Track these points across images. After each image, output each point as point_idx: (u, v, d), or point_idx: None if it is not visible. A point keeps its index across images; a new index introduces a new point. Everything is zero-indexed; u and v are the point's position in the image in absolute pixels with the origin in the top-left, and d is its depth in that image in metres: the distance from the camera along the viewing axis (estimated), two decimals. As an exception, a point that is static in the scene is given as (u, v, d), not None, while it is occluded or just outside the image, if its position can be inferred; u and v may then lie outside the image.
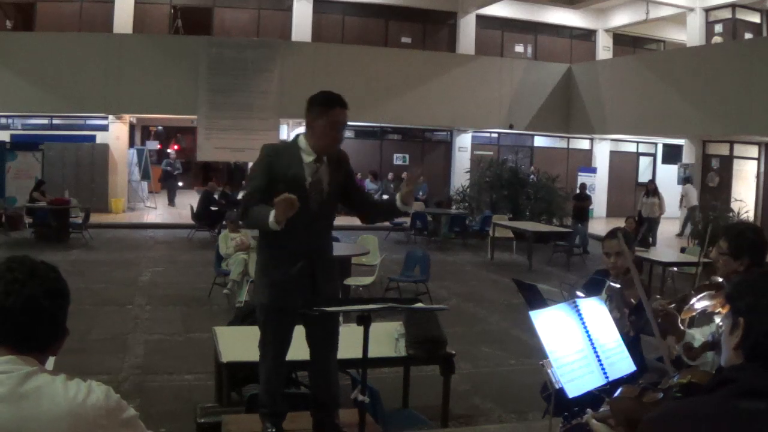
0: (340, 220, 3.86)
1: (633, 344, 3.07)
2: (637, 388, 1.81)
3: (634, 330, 3.38)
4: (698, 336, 2.92)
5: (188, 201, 16.65)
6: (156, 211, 19.04)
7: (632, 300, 3.51)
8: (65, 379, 1.46)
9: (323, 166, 3.29)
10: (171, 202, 20.27)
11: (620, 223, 11.94)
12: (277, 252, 3.27)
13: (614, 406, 1.88)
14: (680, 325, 2.77)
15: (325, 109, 3.22)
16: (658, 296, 3.26)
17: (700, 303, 2.98)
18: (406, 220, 16.53)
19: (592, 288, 3.62)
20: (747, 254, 2.93)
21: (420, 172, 3.71)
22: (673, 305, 2.90)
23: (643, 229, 12.57)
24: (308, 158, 3.26)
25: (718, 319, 2.89)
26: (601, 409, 2.01)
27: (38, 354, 1.49)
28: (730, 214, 14.31)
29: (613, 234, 3.86)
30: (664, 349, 2.78)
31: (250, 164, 24.60)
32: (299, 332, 3.44)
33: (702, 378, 1.55)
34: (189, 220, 14.96)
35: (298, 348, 3.46)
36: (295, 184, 3.17)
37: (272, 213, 3.00)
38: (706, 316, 2.92)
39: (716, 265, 3.11)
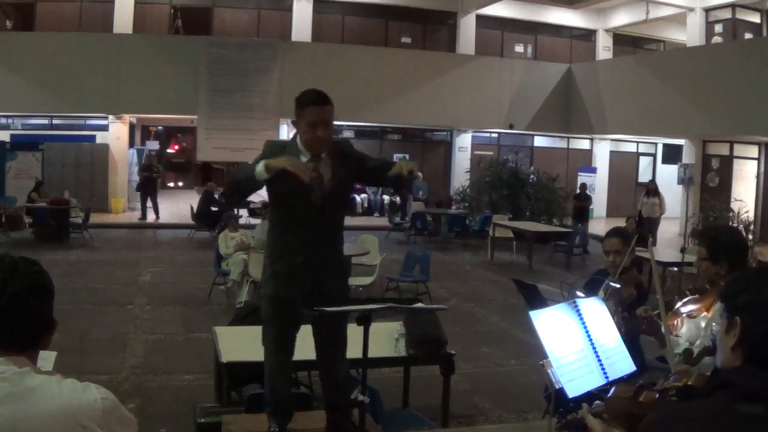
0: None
1: (633, 344, 3.07)
2: (632, 387, 1.80)
3: (625, 328, 3.35)
4: (682, 342, 2.89)
5: (183, 204, 16.56)
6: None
7: (626, 297, 3.54)
8: (60, 379, 1.44)
9: (323, 162, 3.27)
10: (155, 213, 16.71)
11: (620, 223, 11.93)
12: (281, 243, 3.27)
13: (609, 405, 1.88)
14: (664, 331, 2.76)
15: (300, 109, 3.21)
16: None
17: (685, 307, 2.97)
18: (406, 220, 16.56)
19: (592, 288, 3.62)
20: (725, 257, 2.88)
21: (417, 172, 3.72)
22: (657, 312, 2.89)
23: (641, 228, 12.56)
24: (305, 158, 3.24)
25: (703, 323, 2.88)
26: (596, 403, 2.00)
27: (29, 351, 1.47)
28: (730, 214, 14.31)
29: (613, 232, 3.89)
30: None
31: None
32: (305, 332, 3.43)
33: (698, 381, 1.54)
34: (189, 220, 14.97)
35: (299, 348, 3.45)
36: (293, 181, 3.14)
37: (262, 162, 3.03)
38: (696, 328, 2.90)
39: (698, 272, 3.07)
